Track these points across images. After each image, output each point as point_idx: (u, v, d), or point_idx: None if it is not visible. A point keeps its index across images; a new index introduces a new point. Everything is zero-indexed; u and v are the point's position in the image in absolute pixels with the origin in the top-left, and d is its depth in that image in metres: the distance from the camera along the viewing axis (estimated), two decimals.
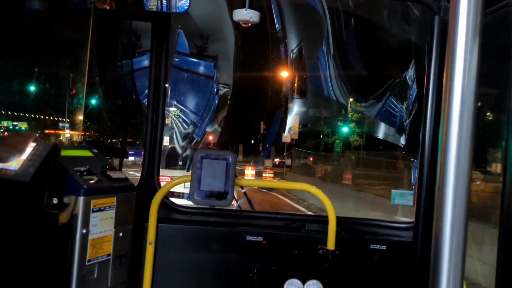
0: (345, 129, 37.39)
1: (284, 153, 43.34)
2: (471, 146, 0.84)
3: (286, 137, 31.65)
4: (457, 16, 0.84)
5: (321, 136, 44.62)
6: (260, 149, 42.96)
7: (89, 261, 2.35)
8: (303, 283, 2.94)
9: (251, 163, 35.16)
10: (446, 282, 0.86)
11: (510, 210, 2.03)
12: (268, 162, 40.67)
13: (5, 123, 44.29)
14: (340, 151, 35.13)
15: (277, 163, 41.73)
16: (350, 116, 36.34)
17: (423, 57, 3.01)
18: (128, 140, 3.63)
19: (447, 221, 0.85)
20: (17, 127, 44.35)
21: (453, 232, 0.85)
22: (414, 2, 3.25)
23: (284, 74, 27.87)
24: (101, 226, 2.41)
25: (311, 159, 35.69)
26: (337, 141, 37.58)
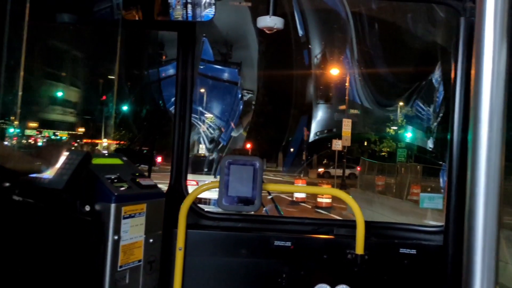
0: (408, 135, 30.49)
1: (324, 162, 40.03)
2: (502, 149, 0.83)
3: (337, 144, 26.71)
4: (483, 18, 0.83)
5: (365, 143, 41.57)
6: (304, 157, 38.99)
7: (120, 266, 2.40)
8: None
9: (300, 175, 32.09)
10: (480, 286, 0.86)
11: None
12: (312, 173, 37.35)
13: (46, 133, 45.44)
14: (405, 160, 29.40)
15: (321, 173, 38.18)
16: (400, 122, 32.22)
17: (449, 59, 2.97)
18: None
19: (479, 224, 0.84)
20: (58, 137, 45.43)
21: (485, 235, 0.84)
22: (439, 3, 3.21)
23: (335, 71, 25.05)
24: (131, 232, 2.46)
25: (358, 168, 30.08)
26: (400, 148, 31.48)
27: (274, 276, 3.01)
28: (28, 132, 42.34)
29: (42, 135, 44.99)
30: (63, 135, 44.47)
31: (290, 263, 3.02)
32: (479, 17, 0.84)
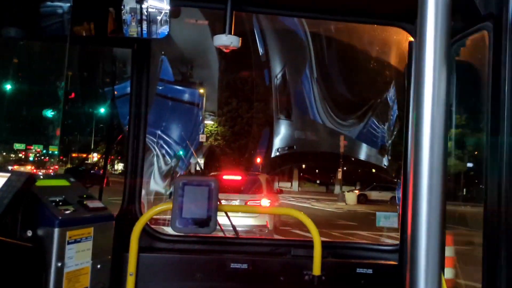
0: None
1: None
2: (444, 169, 0.83)
3: None
4: (424, 42, 0.84)
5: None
6: (339, 176, 32.36)
7: None
8: None
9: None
10: None
11: (493, 211, 2.04)
12: (351, 197, 28.89)
13: (37, 148, 43.61)
14: None
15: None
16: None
17: (402, 79, 3.04)
18: None
19: (422, 242, 0.85)
20: (50, 152, 43.63)
21: (428, 253, 0.84)
22: (391, 26, 3.30)
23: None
24: (77, 258, 2.33)
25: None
26: None
27: None
28: (17, 146, 41.12)
29: (33, 149, 43.35)
30: (52, 149, 42.90)
31: (247, 285, 2.96)
32: (421, 41, 0.84)
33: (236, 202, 12.17)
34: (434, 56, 0.82)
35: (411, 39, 3.02)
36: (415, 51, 2.81)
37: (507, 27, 1.99)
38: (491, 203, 2.06)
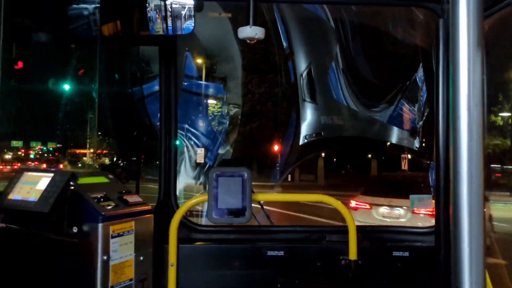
0: None
1: None
2: (482, 148, 0.83)
3: None
4: (457, 19, 0.83)
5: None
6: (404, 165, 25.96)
7: (112, 287, 2.36)
8: None
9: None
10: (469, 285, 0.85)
11: None
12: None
13: (36, 145, 42.89)
14: None
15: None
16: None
17: (430, 60, 3.00)
18: None
19: (464, 223, 0.84)
20: (50, 148, 43.22)
21: (471, 233, 0.83)
22: (418, 7, 3.25)
23: None
24: (121, 251, 2.42)
25: None
26: None
27: (269, 287, 2.98)
28: (14, 143, 39.74)
29: (31, 146, 42.71)
30: (51, 146, 42.58)
31: (283, 272, 3.00)
32: (453, 19, 0.83)
33: (400, 210, 10.01)
34: (467, 34, 0.80)
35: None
36: (443, 30, 2.77)
37: None
38: None
